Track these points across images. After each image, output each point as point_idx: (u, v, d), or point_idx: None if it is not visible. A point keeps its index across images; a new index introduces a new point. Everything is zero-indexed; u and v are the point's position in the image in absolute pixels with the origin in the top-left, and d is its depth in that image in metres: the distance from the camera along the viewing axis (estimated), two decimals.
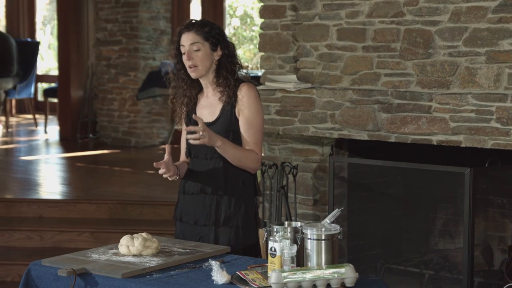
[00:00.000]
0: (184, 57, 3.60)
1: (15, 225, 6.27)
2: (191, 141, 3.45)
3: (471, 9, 4.71)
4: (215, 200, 3.64)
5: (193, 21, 3.65)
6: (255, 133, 3.63)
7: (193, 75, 3.62)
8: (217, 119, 3.63)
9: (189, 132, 3.54)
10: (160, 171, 3.56)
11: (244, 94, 3.61)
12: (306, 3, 5.35)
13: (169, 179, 3.61)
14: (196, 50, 3.57)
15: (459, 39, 4.77)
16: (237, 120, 3.62)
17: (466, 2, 4.73)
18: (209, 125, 3.60)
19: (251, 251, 3.61)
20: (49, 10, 13.29)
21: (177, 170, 3.63)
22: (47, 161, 8.64)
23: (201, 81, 3.68)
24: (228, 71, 3.61)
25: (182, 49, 3.60)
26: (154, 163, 3.54)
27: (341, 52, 5.23)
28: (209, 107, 3.67)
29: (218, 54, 3.61)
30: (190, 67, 3.60)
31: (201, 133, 3.41)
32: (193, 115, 3.52)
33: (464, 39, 4.75)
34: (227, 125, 3.61)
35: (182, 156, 3.78)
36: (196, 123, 3.53)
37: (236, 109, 3.61)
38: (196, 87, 3.71)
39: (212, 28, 3.60)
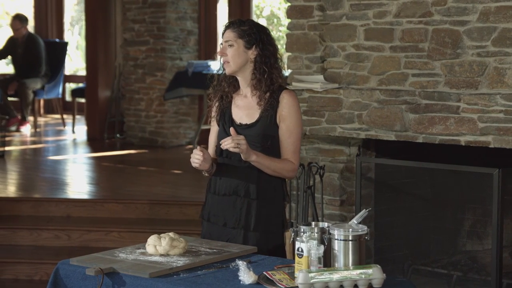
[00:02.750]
0: (218, 53, 3.65)
1: (43, 224, 6.31)
2: (231, 149, 3.44)
3: (500, 8, 4.68)
4: (246, 204, 3.62)
5: (235, 19, 3.67)
6: (295, 142, 3.63)
7: (226, 70, 3.65)
8: (257, 121, 3.61)
9: (222, 137, 3.54)
10: (196, 158, 3.52)
11: (286, 101, 3.60)
12: (333, 3, 5.34)
13: (198, 167, 3.57)
14: (230, 46, 3.60)
15: (488, 39, 4.73)
16: (276, 126, 3.60)
17: (495, 1, 4.69)
18: (247, 127, 3.61)
19: (276, 253, 3.60)
20: (77, 11, 13.38)
21: (212, 168, 3.63)
22: (74, 161, 8.69)
23: (239, 79, 3.68)
24: (260, 72, 3.60)
25: (222, 45, 3.65)
26: (198, 147, 3.55)
27: (368, 52, 5.21)
28: (246, 108, 3.66)
29: (253, 53, 3.61)
30: (223, 63, 3.64)
31: (239, 142, 3.41)
32: (230, 129, 3.50)
33: (493, 39, 4.72)
34: (266, 129, 3.59)
35: (211, 153, 3.75)
36: (232, 125, 3.57)
37: (277, 115, 3.60)
38: (236, 86, 3.71)
39: (251, 27, 3.61)
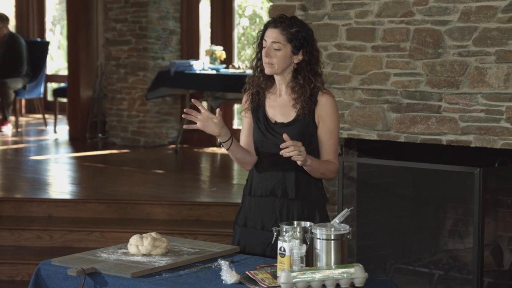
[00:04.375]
0: (263, 53, 3.51)
1: (25, 224, 6.28)
2: (294, 157, 3.31)
3: (481, 8, 4.70)
4: (286, 205, 3.53)
5: (284, 17, 3.52)
6: (335, 143, 3.55)
7: (267, 71, 3.52)
8: (294, 120, 3.51)
9: (258, 136, 3.49)
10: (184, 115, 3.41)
11: (326, 102, 3.51)
12: (315, 2, 5.35)
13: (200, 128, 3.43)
14: (276, 49, 3.47)
15: (469, 38, 4.76)
16: (314, 125, 3.52)
17: (476, 1, 4.72)
18: (283, 126, 3.51)
19: None
20: (59, 10, 13.32)
21: (229, 139, 3.48)
22: (56, 161, 8.66)
23: (276, 78, 3.57)
24: (305, 79, 3.49)
25: (264, 43, 3.51)
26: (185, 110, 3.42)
27: (350, 52, 5.23)
28: (281, 106, 3.56)
29: (298, 58, 3.50)
30: (265, 63, 3.50)
31: (300, 149, 3.30)
32: (283, 135, 3.32)
33: (474, 39, 4.74)
34: (304, 128, 3.50)
35: (243, 145, 3.63)
36: (268, 124, 3.52)
37: (316, 115, 3.51)
38: (271, 81, 3.59)
39: (299, 31, 3.48)
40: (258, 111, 3.60)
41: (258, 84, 3.60)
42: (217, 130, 3.43)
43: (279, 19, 3.50)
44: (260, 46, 3.55)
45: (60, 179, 7.67)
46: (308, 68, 3.50)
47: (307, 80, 3.49)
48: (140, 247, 3.35)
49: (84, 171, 8.17)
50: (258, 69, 3.58)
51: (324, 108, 3.51)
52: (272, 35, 3.48)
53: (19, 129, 10.88)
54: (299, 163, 3.37)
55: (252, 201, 3.61)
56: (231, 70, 8.83)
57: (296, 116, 3.52)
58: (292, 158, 3.32)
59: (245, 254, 3.51)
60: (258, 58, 3.57)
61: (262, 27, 3.56)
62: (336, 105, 3.56)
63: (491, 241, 5.30)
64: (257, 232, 3.57)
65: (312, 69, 3.51)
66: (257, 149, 3.59)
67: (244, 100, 3.65)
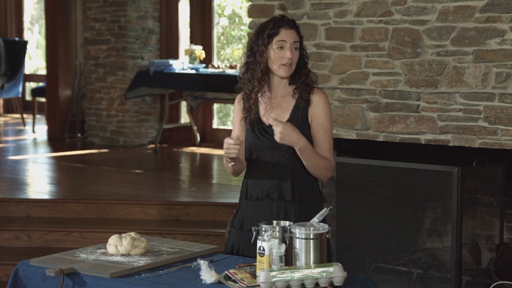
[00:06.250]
0: (286, 53, 3.44)
1: (3, 225, 6.24)
2: (277, 139, 3.34)
3: (459, 8, 4.73)
4: (283, 207, 3.48)
5: (288, 18, 3.50)
6: (330, 140, 3.53)
7: (285, 72, 3.47)
8: (288, 122, 3.45)
9: (251, 138, 3.49)
10: (232, 150, 3.35)
11: (318, 99, 3.49)
12: (294, 2, 5.36)
13: (229, 155, 3.37)
14: (296, 49, 3.47)
15: (447, 38, 4.78)
16: (308, 125, 3.49)
17: (454, 1, 4.74)
18: None
19: None
20: (37, 9, 13.25)
21: (235, 157, 3.44)
22: (35, 161, 8.62)
23: (274, 80, 3.52)
24: (300, 79, 3.49)
25: (281, 44, 3.45)
26: (232, 141, 3.36)
27: (329, 51, 5.24)
28: (275, 108, 3.51)
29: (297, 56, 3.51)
30: (285, 65, 3.46)
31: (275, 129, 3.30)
32: (272, 121, 3.36)
33: (452, 39, 4.77)
34: (298, 129, 3.42)
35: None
36: (262, 127, 3.50)
37: (309, 115, 3.49)
38: (261, 85, 3.52)
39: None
40: (251, 114, 3.54)
41: (253, 87, 3.52)
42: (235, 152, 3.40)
43: (290, 20, 3.50)
44: (266, 48, 3.48)
45: (38, 179, 7.63)
46: (303, 67, 3.52)
47: (302, 79, 3.50)
48: (119, 247, 3.34)
49: (63, 171, 8.14)
50: (256, 71, 3.49)
51: (317, 106, 3.50)
52: (291, 35, 3.47)
53: None
54: (288, 143, 3.35)
55: (249, 205, 3.55)
56: (210, 70, 8.82)
57: (289, 117, 3.49)
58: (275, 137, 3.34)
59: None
60: (257, 61, 3.49)
61: (270, 30, 3.47)
62: (328, 103, 3.55)
63: (469, 239, 5.33)
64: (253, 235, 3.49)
65: (307, 66, 3.54)
66: (251, 152, 3.54)
67: (236, 102, 3.61)
